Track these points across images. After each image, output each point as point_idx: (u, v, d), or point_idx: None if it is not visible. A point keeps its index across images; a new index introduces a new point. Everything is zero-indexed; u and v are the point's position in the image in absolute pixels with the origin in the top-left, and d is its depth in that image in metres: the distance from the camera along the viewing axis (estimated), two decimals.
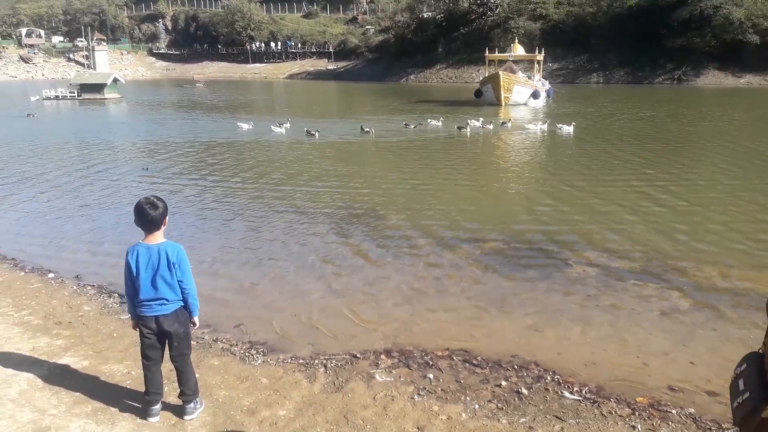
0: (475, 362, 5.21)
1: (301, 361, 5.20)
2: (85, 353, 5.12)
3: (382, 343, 5.58)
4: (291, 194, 11.89)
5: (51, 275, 7.33)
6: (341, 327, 5.94)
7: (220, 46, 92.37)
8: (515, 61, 39.18)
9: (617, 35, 61.44)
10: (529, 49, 44.11)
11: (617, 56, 62.46)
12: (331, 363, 5.14)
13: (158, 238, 4.01)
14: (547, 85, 39.91)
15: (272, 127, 22.43)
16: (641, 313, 6.27)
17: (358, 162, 16.17)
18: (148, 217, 3.93)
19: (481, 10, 74.33)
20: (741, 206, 10.67)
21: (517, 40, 43.04)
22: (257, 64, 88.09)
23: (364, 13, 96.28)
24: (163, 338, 4.10)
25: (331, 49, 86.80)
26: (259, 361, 5.17)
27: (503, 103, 34.77)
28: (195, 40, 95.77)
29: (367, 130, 21.68)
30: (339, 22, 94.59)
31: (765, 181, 12.97)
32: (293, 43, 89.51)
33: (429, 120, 24.53)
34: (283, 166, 15.35)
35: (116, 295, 6.71)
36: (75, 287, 6.95)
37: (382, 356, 5.31)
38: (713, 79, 57.64)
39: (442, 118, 24.70)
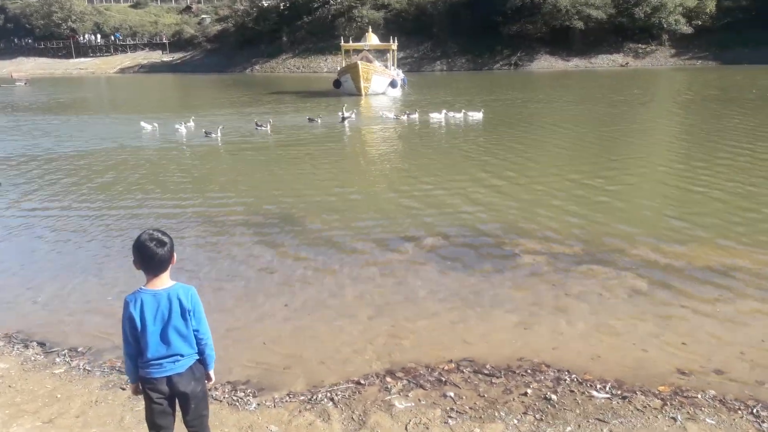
0: (486, 372, 4.88)
1: (302, 398, 4.55)
2: (33, 425, 4.08)
3: (379, 364, 5.06)
4: (199, 203, 10.71)
5: None
6: (324, 350, 5.33)
7: (30, 40, 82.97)
8: (370, 51, 39.29)
9: (457, 24, 64.11)
10: (382, 38, 44.43)
11: (458, 44, 65.18)
12: (337, 395, 4.55)
13: (165, 281, 3.19)
14: (401, 75, 40.56)
15: (176, 126, 20.32)
16: (610, 298, 6.31)
17: (253, 163, 15.09)
18: (156, 257, 3.11)
19: None
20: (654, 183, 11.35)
21: (371, 29, 43.08)
22: (83, 59, 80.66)
23: (198, 2, 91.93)
24: (175, 401, 3.31)
25: (165, 41, 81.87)
26: (254, 405, 4.44)
27: (363, 93, 34.78)
28: (4, 34, 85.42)
29: (262, 125, 20.18)
30: (171, 11, 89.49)
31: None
32: (122, 36, 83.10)
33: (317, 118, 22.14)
34: (180, 171, 13.92)
35: (34, 343, 5.54)
36: None
37: (388, 379, 4.81)
38: (545, 63, 62.20)
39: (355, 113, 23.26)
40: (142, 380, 3.23)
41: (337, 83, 37.16)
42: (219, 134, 18.59)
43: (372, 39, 40.52)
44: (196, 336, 3.25)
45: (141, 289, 3.16)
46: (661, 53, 62.68)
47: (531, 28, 62.10)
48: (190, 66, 75.41)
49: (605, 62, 62.49)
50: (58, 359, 5.24)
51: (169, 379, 3.20)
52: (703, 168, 12.30)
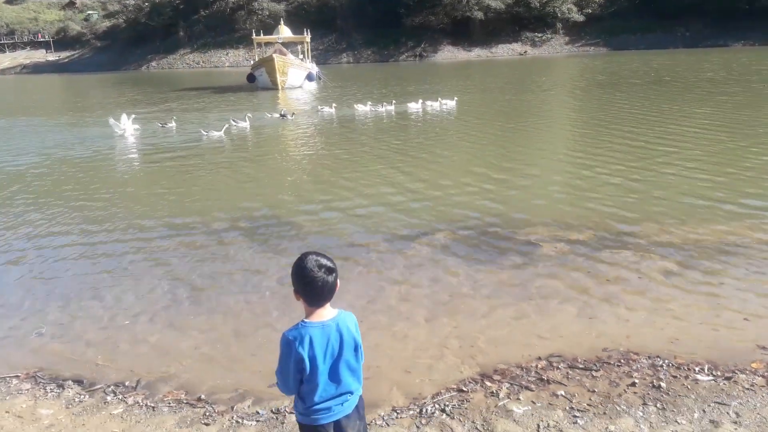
0: (581, 366, 4.76)
1: (410, 412, 4.23)
2: None
3: (468, 368, 4.81)
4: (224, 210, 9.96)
5: None
6: (401, 358, 4.99)
7: None
8: (284, 44, 38.42)
9: (360, 16, 64.14)
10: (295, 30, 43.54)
11: (362, 36, 65.26)
12: (447, 406, 4.27)
13: (329, 309, 2.73)
14: (316, 68, 40.00)
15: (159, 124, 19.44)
16: (650, 280, 6.37)
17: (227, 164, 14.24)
18: (327, 286, 2.65)
19: None
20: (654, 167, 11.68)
21: (282, 22, 42.10)
22: None
23: None
24: None
25: (48, 38, 76.47)
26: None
27: (280, 87, 34.01)
28: None
29: (284, 114, 20.37)
30: (53, 7, 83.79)
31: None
32: None
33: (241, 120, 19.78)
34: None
35: (69, 382, 4.86)
36: None
37: (487, 383, 4.58)
38: (448, 53, 63.51)
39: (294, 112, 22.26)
40: (303, 428, 2.81)
41: (251, 77, 36.15)
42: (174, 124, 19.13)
43: (285, 32, 39.66)
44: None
45: (305, 322, 2.67)
46: (556, 41, 65.73)
47: (433, 19, 63.29)
48: (79, 65, 70.88)
49: (505, 51, 64.73)
50: (108, 397, 4.60)
51: (337, 423, 2.78)
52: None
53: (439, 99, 22.65)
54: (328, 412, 2.75)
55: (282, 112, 21.14)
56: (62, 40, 75.27)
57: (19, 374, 5.04)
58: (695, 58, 44.36)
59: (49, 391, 4.75)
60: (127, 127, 18.24)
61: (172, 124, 19.59)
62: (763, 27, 57.94)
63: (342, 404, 2.79)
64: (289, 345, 2.60)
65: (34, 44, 76.44)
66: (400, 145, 14.94)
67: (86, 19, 78.24)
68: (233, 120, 19.28)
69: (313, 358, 2.63)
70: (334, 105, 22.68)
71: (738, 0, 58.59)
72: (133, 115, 19.08)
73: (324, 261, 2.66)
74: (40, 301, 6.59)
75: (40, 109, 30.12)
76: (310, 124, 20.05)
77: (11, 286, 7.04)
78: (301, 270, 2.63)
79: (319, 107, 22.99)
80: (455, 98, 22.85)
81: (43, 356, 5.37)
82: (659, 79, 29.98)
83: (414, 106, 22.17)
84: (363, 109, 21.90)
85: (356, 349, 2.79)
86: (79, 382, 4.87)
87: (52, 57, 73.46)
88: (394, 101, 22.79)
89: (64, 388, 4.77)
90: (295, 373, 2.64)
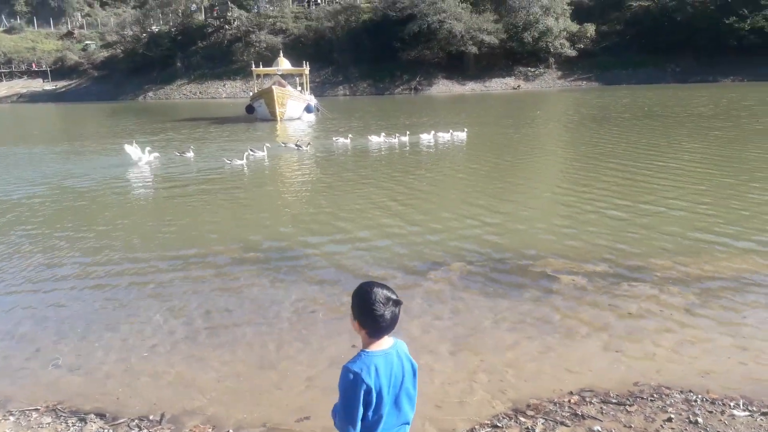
0: (614, 401, 4.71)
1: None
2: None
3: (500, 404, 4.74)
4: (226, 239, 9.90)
5: None
6: (429, 392, 4.88)
7: None
8: (283, 76, 38.72)
9: (357, 49, 64.95)
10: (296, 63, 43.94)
11: (359, 69, 65.95)
12: None
13: (387, 339, 2.68)
14: (314, 100, 40.28)
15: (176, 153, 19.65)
16: (672, 313, 6.33)
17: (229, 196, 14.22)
18: (395, 319, 2.61)
19: (218, 23, 72.48)
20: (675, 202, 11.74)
21: (282, 54, 42.48)
22: None
23: (81, 27, 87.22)
24: None
25: (46, 68, 76.87)
26: None
27: (279, 119, 34.15)
28: None
29: (299, 145, 20.69)
30: (51, 37, 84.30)
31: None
32: None
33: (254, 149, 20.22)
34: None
35: (92, 415, 4.75)
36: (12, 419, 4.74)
37: (522, 419, 4.51)
38: (443, 87, 64.20)
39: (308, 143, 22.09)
40: None
41: (250, 109, 36.32)
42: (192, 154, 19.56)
43: (284, 64, 39.99)
44: None
45: (368, 352, 2.61)
46: (549, 75, 66.63)
47: (428, 53, 64.09)
48: (76, 94, 71.20)
49: (499, 85, 65.52)
50: None
51: None
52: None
53: (450, 131, 22.93)
54: None
55: (297, 143, 21.31)
56: (59, 70, 75.62)
57: (39, 407, 4.92)
58: (686, 93, 45.05)
59: (71, 425, 4.64)
60: (143, 156, 18.27)
61: (190, 154, 19.59)
62: (751, 63, 59.06)
63: None
64: (356, 377, 2.53)
65: (31, 73, 76.74)
66: (413, 181, 14.86)
67: (84, 49, 78.76)
68: (251, 149, 19.40)
69: (379, 388, 2.56)
70: (349, 136, 22.85)
71: (727, 37, 59.72)
72: (148, 147, 19.16)
73: (391, 294, 2.62)
74: (53, 332, 6.48)
75: (54, 136, 30.08)
76: (325, 154, 20.08)
77: (23, 317, 6.92)
78: (369, 303, 2.57)
79: (335, 138, 23.15)
80: (465, 130, 23.10)
81: (61, 389, 5.26)
82: (651, 113, 30.36)
83: (426, 137, 22.50)
84: (377, 140, 22.07)
85: (414, 375, 2.75)
86: (101, 415, 4.77)
87: (49, 86, 73.70)
88: (408, 132, 22.99)
89: (86, 422, 4.66)
90: (360, 404, 2.54)
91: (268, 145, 20.10)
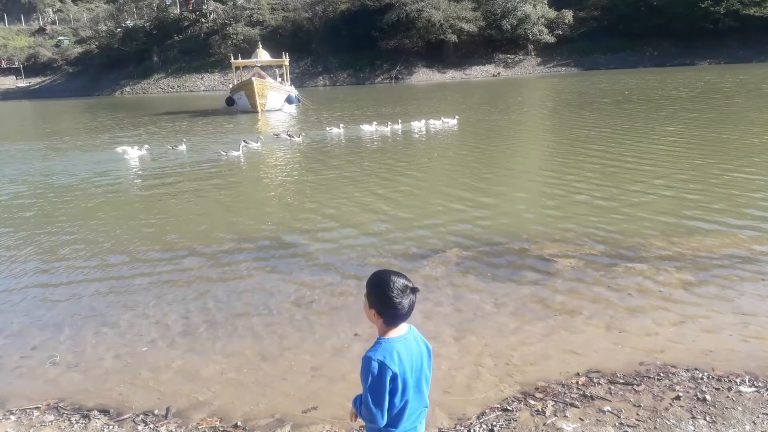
0: (621, 381, 4.72)
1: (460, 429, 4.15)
2: None
3: (508, 387, 4.73)
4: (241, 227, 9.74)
5: None
6: (436, 378, 4.87)
7: None
8: (263, 67, 38.35)
9: (335, 39, 64.56)
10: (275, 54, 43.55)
11: (338, 59, 65.65)
12: (495, 426, 4.19)
13: (403, 324, 2.65)
14: (295, 90, 40.00)
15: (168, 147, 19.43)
16: (672, 293, 6.37)
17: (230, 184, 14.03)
18: (412, 307, 2.58)
19: (194, 16, 71.59)
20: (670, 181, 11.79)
21: (260, 45, 42.06)
22: None
23: (53, 23, 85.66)
24: None
25: (18, 65, 75.43)
26: None
27: (260, 110, 33.88)
28: None
29: (291, 135, 20.48)
30: (23, 33, 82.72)
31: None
32: None
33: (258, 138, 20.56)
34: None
35: (95, 412, 4.66)
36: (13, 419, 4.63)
37: (531, 401, 4.51)
38: (424, 75, 64.14)
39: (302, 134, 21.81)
40: None
41: (230, 101, 36.02)
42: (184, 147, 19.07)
43: (263, 55, 39.62)
44: None
45: (387, 338, 2.56)
46: (528, 62, 66.87)
47: (408, 42, 63.91)
48: (50, 91, 70.04)
49: (479, 73, 65.62)
50: (139, 427, 4.41)
51: None
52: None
53: (442, 118, 22.98)
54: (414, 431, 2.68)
55: (288, 133, 21.20)
56: (33, 66, 74.22)
57: (39, 405, 4.82)
58: (664, 77, 45.41)
59: (74, 422, 4.55)
60: (130, 151, 18.10)
61: (183, 147, 19.30)
62: (727, 46, 59.77)
63: (421, 421, 2.75)
64: (381, 365, 2.48)
65: (3, 71, 75.28)
66: (405, 167, 14.79)
67: (57, 45, 77.36)
68: (244, 140, 19.19)
69: (404, 374, 2.53)
70: (341, 125, 22.72)
71: (703, 20, 60.30)
72: (146, 145, 19.02)
73: (408, 282, 2.58)
74: (48, 328, 6.35)
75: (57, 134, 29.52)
76: (319, 145, 19.91)
77: (16, 314, 6.78)
78: (387, 292, 2.53)
79: (328, 128, 22.97)
80: (456, 117, 23.12)
81: (60, 386, 5.15)
82: (631, 98, 30.57)
83: (417, 125, 22.56)
84: (369, 128, 22.00)
85: (430, 357, 2.74)
86: (104, 412, 4.68)
87: (22, 83, 72.38)
88: (399, 120, 22.95)
89: (90, 419, 4.57)
90: (386, 392, 2.50)
91: (261, 136, 19.97)
